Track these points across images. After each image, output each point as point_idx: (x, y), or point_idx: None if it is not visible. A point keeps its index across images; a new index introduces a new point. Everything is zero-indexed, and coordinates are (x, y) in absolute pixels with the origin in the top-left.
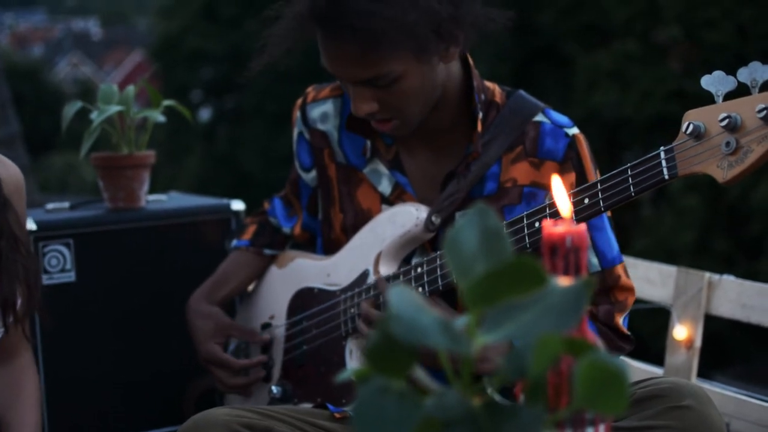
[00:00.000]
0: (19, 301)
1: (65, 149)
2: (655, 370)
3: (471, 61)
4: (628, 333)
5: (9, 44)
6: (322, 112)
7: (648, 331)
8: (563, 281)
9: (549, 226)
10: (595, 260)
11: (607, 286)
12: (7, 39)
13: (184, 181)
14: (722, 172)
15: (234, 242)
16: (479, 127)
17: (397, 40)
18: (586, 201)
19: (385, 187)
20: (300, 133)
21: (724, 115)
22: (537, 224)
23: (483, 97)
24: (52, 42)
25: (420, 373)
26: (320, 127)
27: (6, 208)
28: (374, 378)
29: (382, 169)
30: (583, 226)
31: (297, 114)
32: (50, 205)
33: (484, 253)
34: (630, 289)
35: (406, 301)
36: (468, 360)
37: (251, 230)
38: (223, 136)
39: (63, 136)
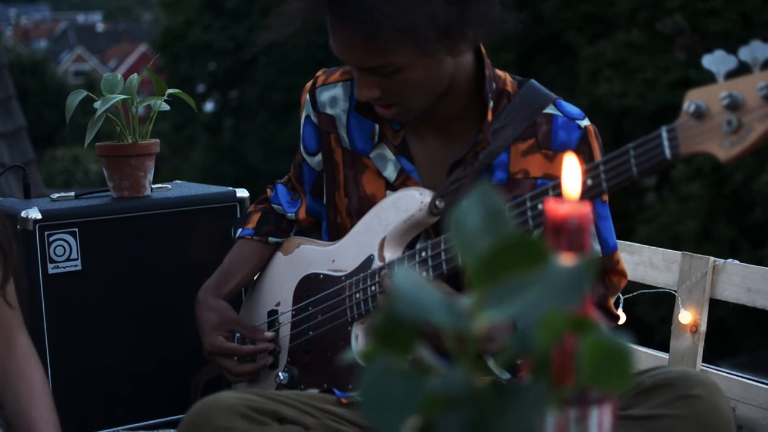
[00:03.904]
0: None
1: (70, 143)
2: (660, 355)
3: (483, 51)
4: (617, 312)
5: (13, 38)
6: (332, 96)
7: (652, 319)
8: (566, 259)
9: (553, 206)
10: (598, 247)
11: (604, 270)
12: (10, 33)
13: (188, 174)
14: (724, 151)
15: (239, 231)
16: (489, 117)
17: (396, 37)
18: (589, 182)
19: (391, 172)
20: (307, 117)
21: (725, 93)
22: (540, 206)
23: (494, 86)
24: (55, 36)
25: (425, 353)
26: (329, 111)
27: None
28: (380, 357)
29: (389, 154)
30: (587, 206)
31: (306, 97)
32: (55, 195)
33: (488, 231)
34: (623, 274)
35: (410, 280)
36: (472, 338)
37: (255, 218)
38: (227, 129)
39: (68, 125)
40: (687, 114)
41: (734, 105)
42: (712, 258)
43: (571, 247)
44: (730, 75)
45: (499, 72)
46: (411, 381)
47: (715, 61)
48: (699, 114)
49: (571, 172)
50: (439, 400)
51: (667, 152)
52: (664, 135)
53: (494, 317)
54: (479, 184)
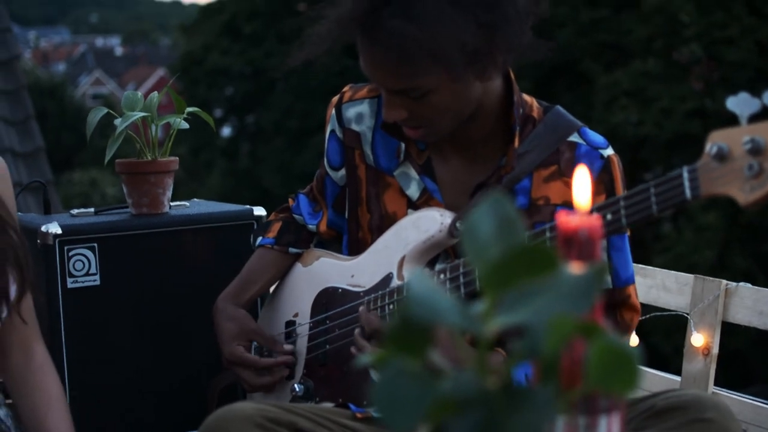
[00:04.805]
0: (13, 287)
1: (87, 166)
2: (673, 378)
3: (512, 76)
4: None
5: (32, 61)
6: (358, 112)
7: (667, 348)
8: (576, 268)
9: (564, 218)
10: (608, 279)
11: (615, 303)
12: (29, 56)
13: (204, 197)
14: (744, 195)
15: (259, 240)
16: (516, 143)
17: (426, 62)
18: (609, 217)
19: (414, 191)
20: (332, 131)
21: (747, 138)
22: None
23: (521, 111)
24: (74, 60)
25: (437, 356)
26: (354, 127)
27: None
28: (393, 360)
29: (413, 173)
30: (597, 218)
31: (332, 112)
32: (75, 210)
33: (500, 239)
34: (636, 310)
35: (424, 283)
36: (483, 341)
37: (276, 228)
38: (244, 153)
39: (88, 143)
40: (709, 156)
41: (756, 150)
42: (724, 281)
43: (581, 258)
44: (754, 118)
45: (525, 97)
46: (424, 383)
47: (739, 103)
48: (721, 156)
49: (582, 184)
50: (451, 403)
51: (688, 193)
52: (685, 175)
53: (506, 322)
54: (492, 193)
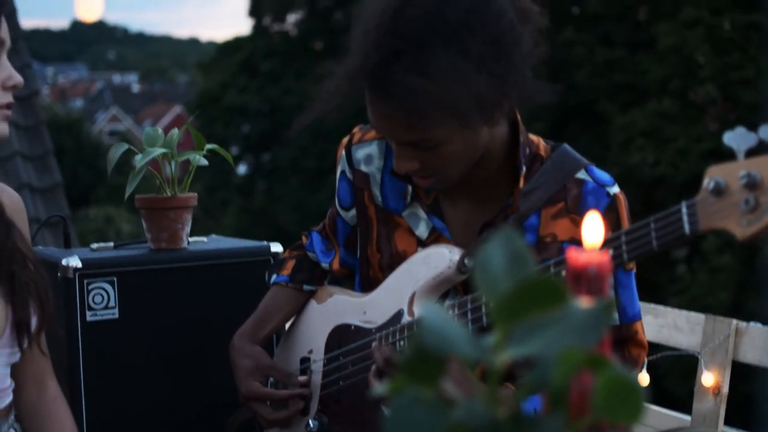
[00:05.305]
0: (34, 319)
1: (103, 203)
2: (683, 417)
3: (519, 118)
4: None
5: (49, 97)
6: (367, 153)
7: (682, 392)
8: (585, 302)
9: (573, 255)
10: (615, 315)
11: (622, 340)
12: (47, 92)
13: (220, 235)
14: (741, 229)
15: (273, 277)
16: (521, 183)
17: (439, 114)
18: (610, 252)
19: (422, 231)
20: (343, 172)
21: (743, 172)
22: (564, 273)
23: (527, 151)
24: (91, 96)
25: (450, 386)
26: (364, 168)
27: (10, 230)
28: (406, 388)
29: (421, 213)
30: (606, 254)
31: (342, 153)
32: (95, 245)
33: (511, 272)
34: (643, 346)
35: (437, 314)
36: (494, 372)
37: (290, 265)
38: (260, 191)
39: (108, 178)
40: (707, 190)
41: (752, 184)
42: (734, 320)
43: (590, 293)
44: (751, 153)
45: (532, 136)
46: (436, 411)
47: (736, 138)
48: (718, 191)
49: (592, 225)
50: (462, 430)
51: (686, 227)
52: (684, 210)
53: (516, 354)
54: (503, 228)
